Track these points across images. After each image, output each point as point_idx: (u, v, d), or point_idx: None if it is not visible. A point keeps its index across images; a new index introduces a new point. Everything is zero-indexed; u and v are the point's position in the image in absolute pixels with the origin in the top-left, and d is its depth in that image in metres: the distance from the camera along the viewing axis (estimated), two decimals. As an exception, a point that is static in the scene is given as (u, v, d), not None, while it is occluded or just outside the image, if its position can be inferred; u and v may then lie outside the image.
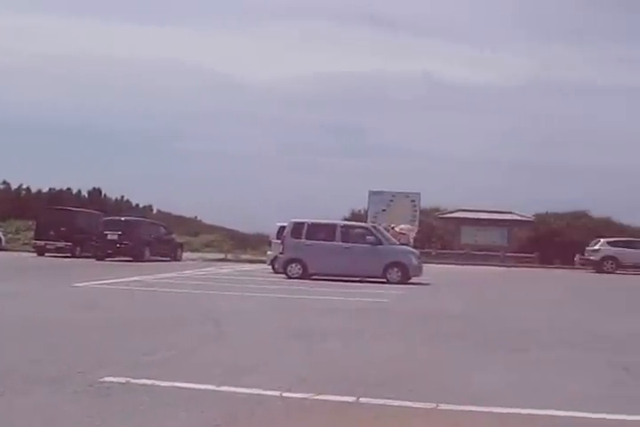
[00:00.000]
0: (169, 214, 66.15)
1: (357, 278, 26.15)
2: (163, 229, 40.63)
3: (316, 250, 26.58)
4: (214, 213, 63.20)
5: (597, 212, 55.42)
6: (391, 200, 47.90)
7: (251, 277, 26.75)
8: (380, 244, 26.48)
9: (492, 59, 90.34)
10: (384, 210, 47.45)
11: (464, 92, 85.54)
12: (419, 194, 47.85)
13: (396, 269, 25.95)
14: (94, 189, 67.76)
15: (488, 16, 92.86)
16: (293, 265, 26.79)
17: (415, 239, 41.64)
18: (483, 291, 24.65)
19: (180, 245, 41.98)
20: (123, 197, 69.29)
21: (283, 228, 28.70)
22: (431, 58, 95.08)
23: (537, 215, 54.35)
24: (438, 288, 24.77)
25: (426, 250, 45.93)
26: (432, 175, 72.34)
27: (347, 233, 27.24)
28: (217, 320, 13.38)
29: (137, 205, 68.96)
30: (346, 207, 55.12)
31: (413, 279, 26.17)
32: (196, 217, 69.82)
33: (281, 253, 27.59)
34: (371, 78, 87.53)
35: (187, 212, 66.75)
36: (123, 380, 7.89)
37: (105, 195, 68.22)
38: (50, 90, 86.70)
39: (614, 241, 42.40)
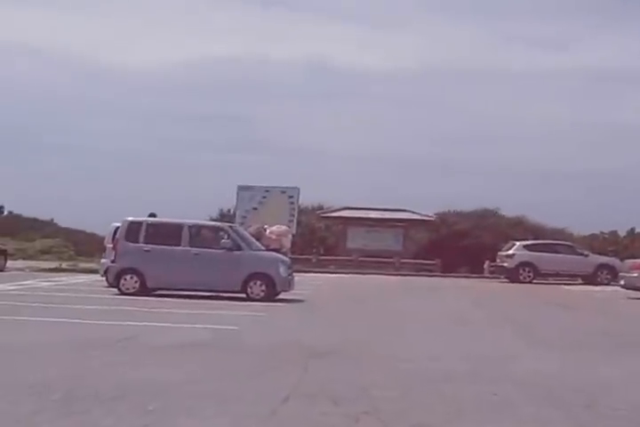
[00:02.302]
0: (19, 216, 64.57)
1: (212, 294, 22.75)
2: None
3: (156, 257, 23.04)
4: (74, 215, 59.29)
5: (508, 210, 52.93)
6: (264, 197, 44.59)
7: (72, 294, 23.05)
8: (239, 249, 22.89)
9: (385, 41, 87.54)
10: (255, 208, 43.95)
11: (355, 79, 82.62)
12: (297, 189, 44.55)
13: (259, 283, 22.46)
14: None
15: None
16: (128, 277, 23.04)
17: (293, 244, 38.41)
18: (373, 311, 21.04)
19: (4, 253, 37.56)
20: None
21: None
22: (319, 40, 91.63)
23: (438, 214, 51.39)
24: (313, 308, 21.30)
25: (306, 256, 43.68)
26: (316, 170, 69.38)
27: (197, 235, 23.75)
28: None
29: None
30: (216, 206, 51.55)
31: (282, 295, 22.82)
32: (52, 219, 66.37)
33: (112, 262, 23.65)
34: (247, 63, 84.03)
35: (42, 213, 62.89)
36: None
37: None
38: None
39: (531, 244, 39.96)
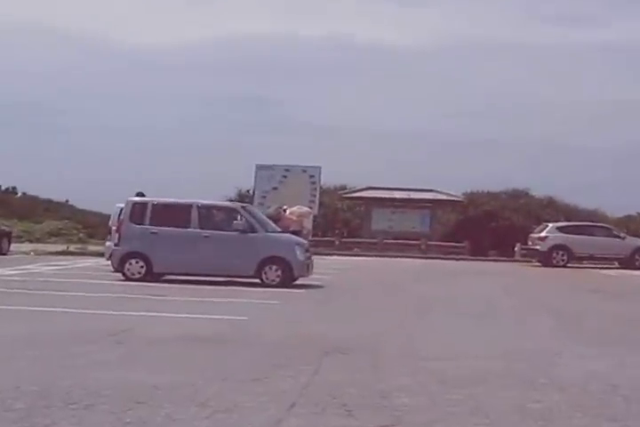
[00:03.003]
0: (35, 198, 64.64)
1: (223, 279, 21.79)
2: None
3: (163, 240, 22.09)
4: (90, 197, 58.83)
5: (538, 190, 51.89)
6: (284, 176, 43.73)
7: (73, 279, 22.05)
8: (253, 231, 21.83)
9: (415, 18, 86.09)
10: (275, 188, 42.97)
11: (382, 56, 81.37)
12: (319, 168, 43.61)
13: (274, 267, 21.45)
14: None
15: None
16: (133, 262, 22.08)
17: (315, 226, 37.49)
18: (397, 299, 19.79)
19: (8, 235, 36.53)
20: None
21: (125, 211, 23.76)
22: (345, 18, 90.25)
23: (466, 194, 50.15)
24: (332, 295, 20.11)
25: (328, 238, 43.20)
26: (338, 149, 68.43)
27: (207, 216, 22.76)
28: None
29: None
30: (234, 187, 50.57)
31: (300, 280, 21.81)
32: (67, 201, 66.08)
33: (116, 245, 22.62)
34: (273, 42, 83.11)
35: (57, 195, 62.93)
36: None
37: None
38: None
39: (565, 226, 38.74)
